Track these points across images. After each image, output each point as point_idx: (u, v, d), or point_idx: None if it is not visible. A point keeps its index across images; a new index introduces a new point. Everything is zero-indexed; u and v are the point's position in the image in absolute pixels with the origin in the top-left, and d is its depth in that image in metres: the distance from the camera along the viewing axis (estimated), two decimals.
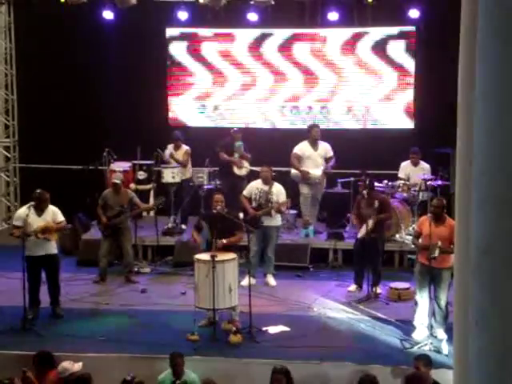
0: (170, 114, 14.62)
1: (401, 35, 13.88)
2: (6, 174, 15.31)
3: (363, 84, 14.12)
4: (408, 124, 14.07)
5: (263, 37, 14.25)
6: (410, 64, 13.93)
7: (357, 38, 13.99)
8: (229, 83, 14.48)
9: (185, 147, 13.35)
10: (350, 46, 14.04)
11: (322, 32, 14.06)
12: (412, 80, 13.95)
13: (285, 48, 14.24)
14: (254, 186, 11.67)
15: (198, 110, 14.65)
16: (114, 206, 11.69)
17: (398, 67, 13.98)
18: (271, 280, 11.54)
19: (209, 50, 14.43)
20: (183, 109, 14.68)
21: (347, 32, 13.96)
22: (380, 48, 13.96)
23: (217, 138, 13.47)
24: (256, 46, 14.30)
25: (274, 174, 11.88)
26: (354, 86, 14.16)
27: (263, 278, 11.53)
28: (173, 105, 14.63)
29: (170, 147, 13.35)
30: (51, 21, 14.09)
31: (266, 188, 11.55)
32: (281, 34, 14.21)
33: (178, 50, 14.50)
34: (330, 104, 14.28)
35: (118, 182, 11.78)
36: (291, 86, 14.33)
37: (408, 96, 14.01)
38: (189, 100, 14.62)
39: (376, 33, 13.90)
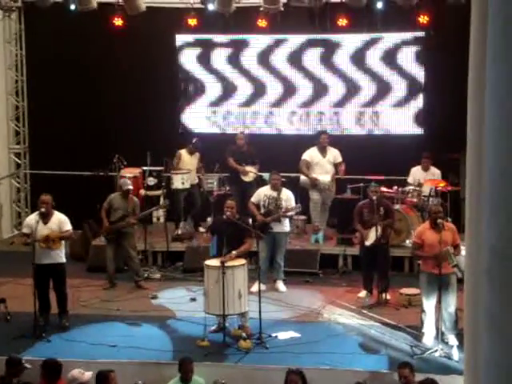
0: (180, 121, 14.65)
1: (410, 41, 13.87)
2: (16, 181, 15.35)
3: (373, 90, 14.11)
4: (417, 130, 14.05)
5: (273, 44, 14.26)
6: (419, 69, 13.92)
7: (366, 44, 13.99)
8: (239, 90, 14.49)
9: (198, 154, 13.38)
10: (359, 52, 14.04)
11: (331, 38, 14.07)
12: (421, 86, 13.93)
13: (295, 55, 14.24)
14: (262, 193, 11.64)
15: (208, 116, 14.67)
16: (118, 209, 11.59)
17: (408, 73, 13.97)
18: (281, 286, 11.52)
19: (219, 56, 14.46)
20: (193, 115, 14.69)
21: (356, 38, 13.96)
22: (390, 54, 13.96)
23: (226, 145, 13.48)
24: (266, 52, 14.31)
25: (283, 180, 11.88)
26: (364, 93, 14.15)
27: (273, 284, 11.53)
28: (183, 111, 14.65)
29: (184, 152, 13.31)
30: (61, 28, 14.14)
31: (274, 194, 11.52)
32: (291, 41, 14.23)
33: (188, 57, 14.53)
34: (340, 110, 14.27)
35: (130, 188, 11.71)
36: (301, 92, 14.33)
37: (417, 102, 13.99)
38: (199, 107, 14.64)
39: (386, 39, 13.91)
